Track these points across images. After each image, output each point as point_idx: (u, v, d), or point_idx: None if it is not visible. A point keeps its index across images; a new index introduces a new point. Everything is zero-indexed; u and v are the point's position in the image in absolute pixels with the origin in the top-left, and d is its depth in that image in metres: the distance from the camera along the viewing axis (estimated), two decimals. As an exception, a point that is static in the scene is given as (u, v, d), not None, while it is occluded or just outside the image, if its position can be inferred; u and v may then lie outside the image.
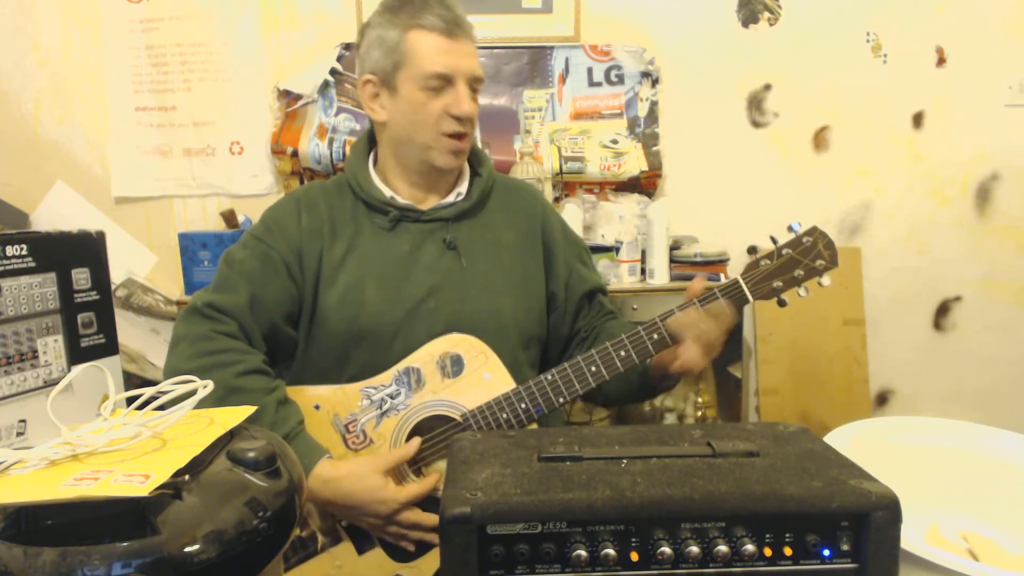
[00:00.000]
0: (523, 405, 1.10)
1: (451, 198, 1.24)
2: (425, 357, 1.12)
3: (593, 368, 1.10)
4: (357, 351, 1.16)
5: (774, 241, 1.10)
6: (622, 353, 1.09)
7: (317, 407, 1.12)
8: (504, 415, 1.10)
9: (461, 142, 1.17)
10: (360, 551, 1.10)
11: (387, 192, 1.22)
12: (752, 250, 1.10)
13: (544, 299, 1.26)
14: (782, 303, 1.09)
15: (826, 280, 1.09)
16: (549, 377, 1.10)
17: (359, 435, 1.11)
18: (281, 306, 1.16)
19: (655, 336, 1.09)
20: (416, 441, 1.10)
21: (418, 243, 1.20)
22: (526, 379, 1.12)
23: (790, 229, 1.09)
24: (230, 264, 1.17)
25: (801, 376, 2.20)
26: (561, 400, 1.10)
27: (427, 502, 1.09)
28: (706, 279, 1.14)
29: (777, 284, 1.08)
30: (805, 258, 1.08)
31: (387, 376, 1.12)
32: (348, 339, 1.16)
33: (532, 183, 1.73)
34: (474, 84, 1.17)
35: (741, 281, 1.08)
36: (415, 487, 1.08)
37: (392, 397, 1.11)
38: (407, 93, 1.15)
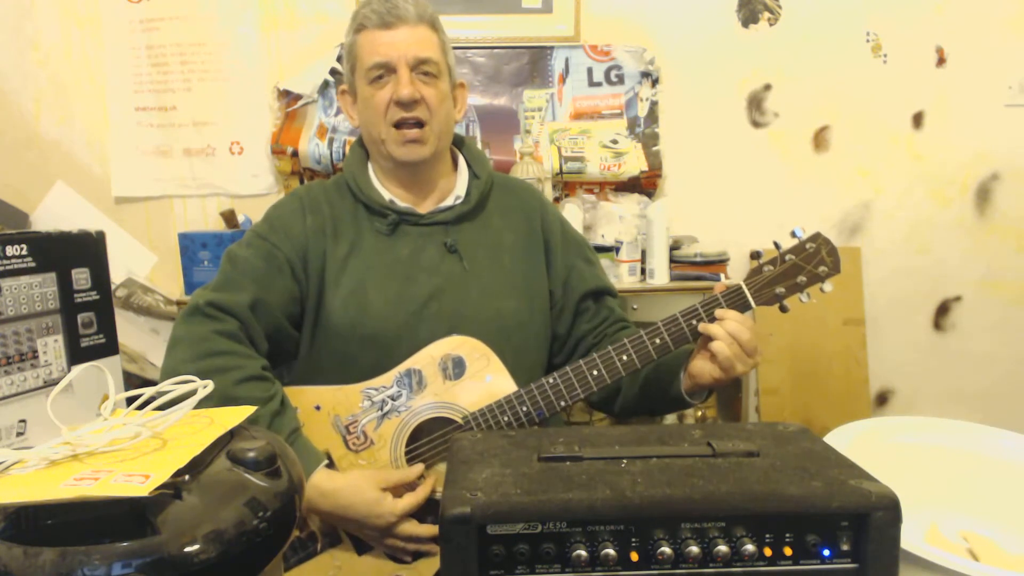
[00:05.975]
0: (524, 408, 1.09)
1: (450, 201, 1.24)
2: (427, 359, 1.12)
3: (595, 372, 1.09)
4: (362, 353, 1.15)
5: (777, 246, 1.09)
6: (624, 357, 1.09)
7: (318, 407, 1.12)
8: (505, 418, 1.09)
9: (411, 131, 1.16)
10: (360, 552, 1.10)
11: (387, 196, 1.22)
12: (755, 255, 1.09)
13: (547, 299, 1.26)
14: (784, 309, 1.09)
15: (828, 287, 1.08)
16: (551, 380, 1.10)
17: (360, 436, 1.11)
18: (285, 307, 1.15)
19: (657, 340, 1.08)
20: (418, 468, 1.10)
21: (418, 246, 1.20)
22: (531, 381, 1.11)
23: (793, 234, 1.08)
24: (233, 262, 1.16)
25: (801, 376, 2.20)
26: (563, 404, 1.10)
27: (426, 506, 1.09)
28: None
29: (780, 290, 1.07)
30: (808, 264, 1.07)
31: (388, 377, 1.12)
32: (352, 341, 1.16)
33: (532, 183, 1.73)
34: (421, 67, 1.15)
35: (744, 286, 1.07)
36: (411, 498, 1.07)
37: (393, 399, 1.11)
38: (361, 91, 1.18)
